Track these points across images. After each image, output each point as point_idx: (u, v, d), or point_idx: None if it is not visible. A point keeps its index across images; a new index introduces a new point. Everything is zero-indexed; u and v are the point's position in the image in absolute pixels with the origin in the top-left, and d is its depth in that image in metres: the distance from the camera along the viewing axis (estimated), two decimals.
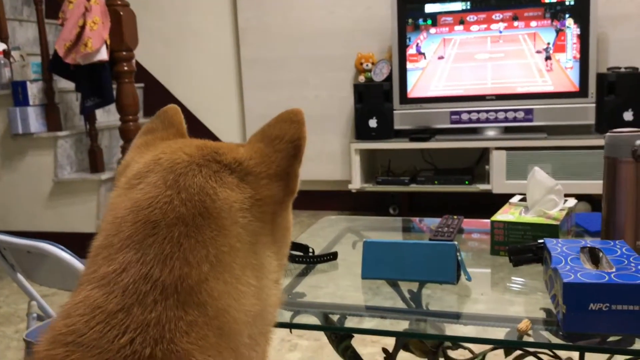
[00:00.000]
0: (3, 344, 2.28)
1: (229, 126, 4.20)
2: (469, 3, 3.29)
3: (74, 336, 0.40)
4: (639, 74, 3.10)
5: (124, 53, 3.10)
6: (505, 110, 3.30)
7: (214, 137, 4.23)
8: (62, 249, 1.37)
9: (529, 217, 1.30)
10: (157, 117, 0.59)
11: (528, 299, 1.20)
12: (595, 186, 3.06)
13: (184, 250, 0.43)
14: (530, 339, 0.98)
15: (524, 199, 1.44)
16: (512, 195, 3.62)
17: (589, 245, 1.08)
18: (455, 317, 1.17)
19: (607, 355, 1.37)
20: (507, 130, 3.38)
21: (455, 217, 1.56)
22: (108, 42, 3.03)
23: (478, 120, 3.34)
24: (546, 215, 1.30)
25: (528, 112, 3.26)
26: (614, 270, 0.97)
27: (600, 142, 3.08)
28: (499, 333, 1.09)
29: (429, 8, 3.36)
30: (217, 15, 4.08)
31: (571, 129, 3.32)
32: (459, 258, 1.16)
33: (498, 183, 3.25)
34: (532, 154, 3.21)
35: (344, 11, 3.76)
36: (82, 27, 2.97)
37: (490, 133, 3.38)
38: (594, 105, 3.16)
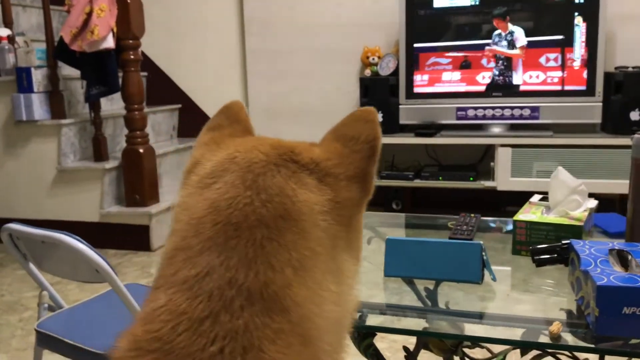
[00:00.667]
0: (7, 332, 2.26)
1: None
2: None
3: (159, 343, 0.39)
4: None
5: (131, 41, 3.07)
6: (512, 107, 3.29)
7: None
8: (78, 240, 1.36)
9: (552, 218, 1.29)
10: (222, 113, 0.57)
11: (552, 300, 1.20)
12: (601, 185, 3.07)
13: (267, 254, 0.42)
14: (562, 340, 0.97)
15: (544, 199, 1.44)
16: (517, 193, 3.62)
17: (617, 248, 1.08)
18: (478, 316, 1.17)
19: (626, 359, 1.37)
20: (512, 127, 3.37)
21: (472, 215, 1.56)
22: (115, 30, 3.00)
23: (484, 117, 3.33)
24: (569, 215, 1.30)
25: (534, 109, 3.25)
26: None
27: (605, 141, 3.09)
28: (520, 333, 1.09)
29: (438, 3, 3.34)
30: (222, 5, 4.05)
31: (577, 127, 3.32)
32: (485, 258, 1.15)
33: (503, 180, 3.25)
34: (538, 152, 3.21)
35: (351, 4, 3.74)
36: (89, 14, 2.94)
37: (496, 130, 3.37)
38: (600, 104, 3.15)
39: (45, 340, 1.54)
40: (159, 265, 0.45)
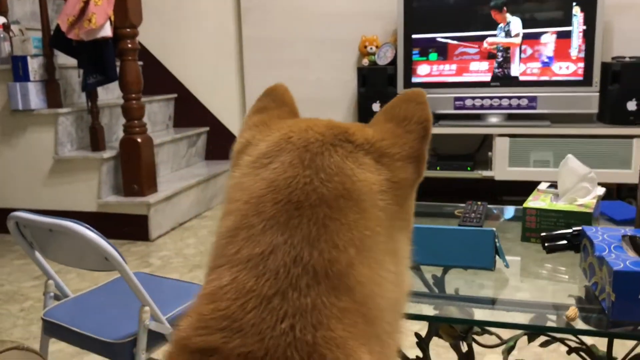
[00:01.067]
0: (9, 322, 2.25)
1: (228, 106, 4.16)
2: None
3: (228, 321, 0.39)
4: None
5: (128, 30, 3.05)
6: (509, 97, 3.30)
7: (212, 117, 4.20)
8: (88, 228, 1.35)
9: (562, 205, 1.30)
10: (267, 96, 0.57)
11: (561, 286, 1.21)
12: (598, 175, 3.08)
13: (330, 233, 0.42)
14: (578, 326, 0.98)
15: (552, 186, 1.45)
16: (514, 182, 3.62)
17: (629, 234, 1.09)
18: (489, 302, 1.18)
19: (632, 344, 1.39)
20: (510, 117, 3.38)
21: (479, 202, 1.56)
22: (112, 19, 2.97)
23: (482, 107, 3.34)
24: (577, 202, 1.31)
25: (532, 99, 3.27)
26: None
27: (603, 131, 3.11)
28: (530, 318, 1.10)
29: None
30: None
31: (574, 117, 3.33)
32: (497, 244, 1.16)
33: (500, 169, 3.26)
34: (535, 142, 3.23)
35: None
36: (87, 2, 2.91)
37: (494, 120, 3.38)
38: (597, 94, 3.17)
39: (51, 329, 1.54)
40: (214, 245, 0.45)
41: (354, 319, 0.40)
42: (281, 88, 0.58)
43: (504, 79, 3.32)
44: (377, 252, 0.44)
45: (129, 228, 3.18)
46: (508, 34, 3.28)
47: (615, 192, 3.22)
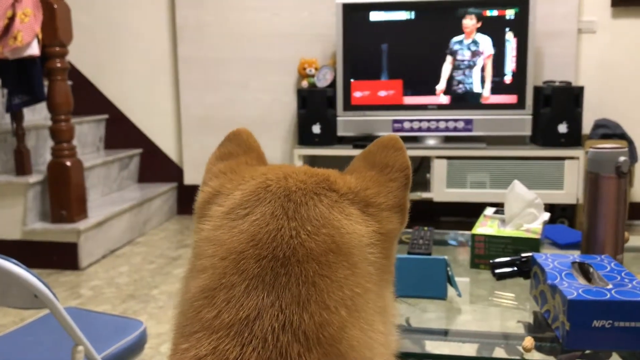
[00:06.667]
0: None
1: (162, 127, 4.04)
2: (413, 13, 3.33)
3: None
4: (572, 88, 3.24)
5: (57, 49, 2.91)
6: (446, 120, 3.35)
7: (146, 139, 4.07)
8: (15, 263, 1.24)
9: (510, 231, 1.30)
10: (231, 141, 0.53)
11: (516, 313, 1.20)
12: None
13: (320, 292, 0.38)
14: (534, 356, 0.97)
15: (498, 211, 1.45)
16: (452, 204, 3.65)
17: (578, 261, 1.09)
18: (442, 333, 1.15)
19: None
20: (447, 139, 3.44)
21: (425, 228, 1.55)
22: (40, 37, 2.84)
23: (420, 129, 3.38)
24: (525, 228, 1.31)
25: (468, 122, 3.33)
26: (610, 286, 0.98)
27: (535, 152, 3.20)
28: (482, 349, 1.08)
29: (374, 16, 3.37)
30: (153, 12, 3.92)
31: (509, 139, 3.42)
32: (450, 273, 1.14)
33: (439, 191, 3.30)
34: (472, 163, 3.29)
35: (288, 14, 3.72)
36: (12, 19, 2.76)
37: (431, 142, 3.43)
38: (530, 117, 3.27)
39: None
40: (183, 307, 0.39)
41: None
42: (245, 133, 0.54)
43: (441, 102, 3.38)
44: (367, 311, 0.40)
45: (57, 256, 3.01)
46: (445, 56, 3.34)
47: (547, 211, 3.30)
